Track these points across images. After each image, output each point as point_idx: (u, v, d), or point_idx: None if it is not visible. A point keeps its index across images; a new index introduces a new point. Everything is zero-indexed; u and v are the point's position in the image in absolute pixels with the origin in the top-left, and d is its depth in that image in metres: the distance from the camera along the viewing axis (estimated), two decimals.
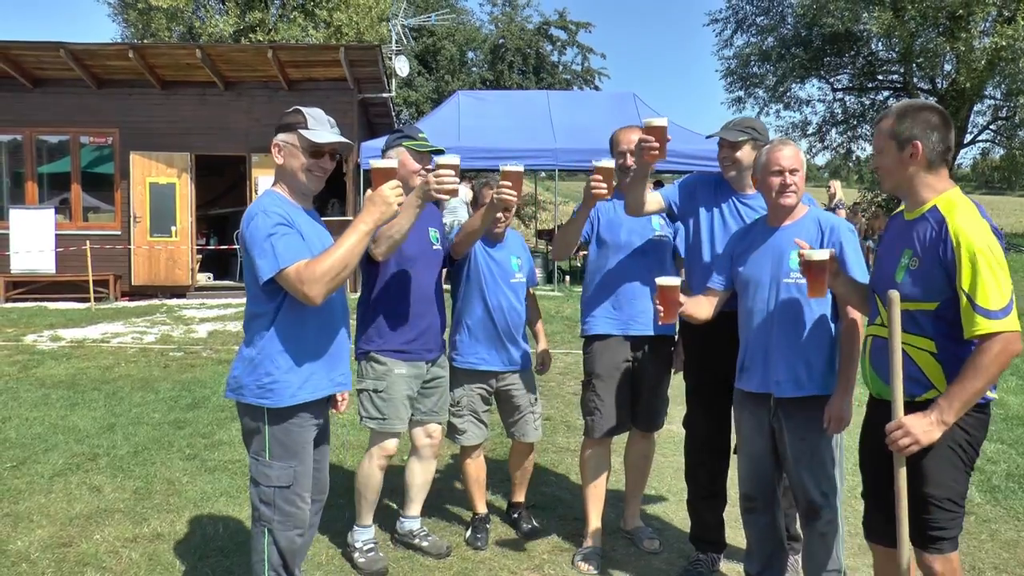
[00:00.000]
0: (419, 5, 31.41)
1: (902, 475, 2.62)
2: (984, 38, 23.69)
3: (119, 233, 14.36)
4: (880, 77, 30.58)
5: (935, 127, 2.68)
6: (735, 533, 3.92)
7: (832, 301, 3.19)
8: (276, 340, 2.85)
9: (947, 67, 27.20)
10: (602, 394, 3.95)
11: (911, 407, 2.62)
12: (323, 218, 3.15)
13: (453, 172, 3.18)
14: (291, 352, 2.86)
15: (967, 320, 2.53)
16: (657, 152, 3.33)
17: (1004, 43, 21.89)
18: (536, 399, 4.26)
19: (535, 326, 4.45)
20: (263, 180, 13.97)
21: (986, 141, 30.52)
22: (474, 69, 33.36)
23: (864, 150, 31.83)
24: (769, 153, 3.23)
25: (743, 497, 3.41)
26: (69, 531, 4.24)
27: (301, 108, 2.95)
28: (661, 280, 3.19)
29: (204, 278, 15.12)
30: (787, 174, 3.18)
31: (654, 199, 3.74)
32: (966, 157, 36.10)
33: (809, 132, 31.80)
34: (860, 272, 3.13)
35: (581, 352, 4.15)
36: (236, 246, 13.59)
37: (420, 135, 3.83)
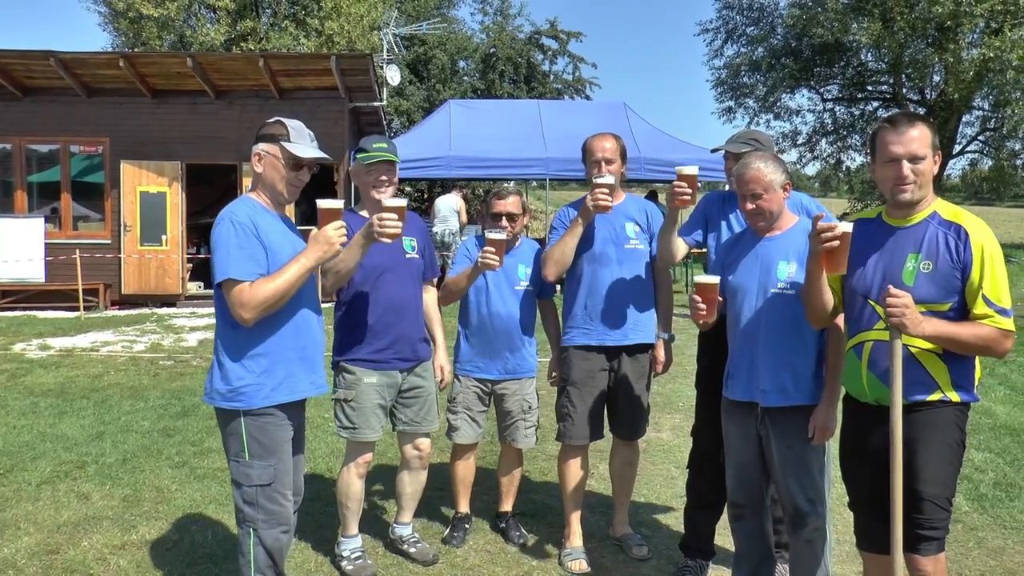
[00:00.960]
0: (410, 14, 31.42)
1: (899, 476, 2.65)
2: (972, 49, 23.86)
3: (109, 242, 14.29)
4: (870, 88, 30.76)
5: None
6: (723, 539, 3.93)
7: None
8: (247, 343, 2.89)
9: (936, 78, 27.41)
10: (575, 401, 4.02)
11: (911, 411, 2.70)
12: (308, 227, 3.18)
13: (397, 216, 3.19)
14: (264, 354, 2.90)
15: (981, 316, 2.65)
16: (688, 199, 3.47)
17: (992, 54, 22.05)
18: (532, 407, 4.26)
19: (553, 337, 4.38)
20: None
21: (975, 152, 30.80)
22: (465, 78, 33.36)
23: (854, 160, 32.03)
24: (736, 175, 3.27)
25: (731, 504, 3.42)
26: (56, 538, 4.22)
27: (283, 120, 3.01)
28: (700, 278, 3.20)
29: (194, 287, 15.04)
30: (748, 199, 3.21)
31: (681, 247, 3.79)
32: (955, 168, 36.35)
33: (799, 142, 31.98)
34: None
35: None
36: None
37: (375, 145, 3.77)
